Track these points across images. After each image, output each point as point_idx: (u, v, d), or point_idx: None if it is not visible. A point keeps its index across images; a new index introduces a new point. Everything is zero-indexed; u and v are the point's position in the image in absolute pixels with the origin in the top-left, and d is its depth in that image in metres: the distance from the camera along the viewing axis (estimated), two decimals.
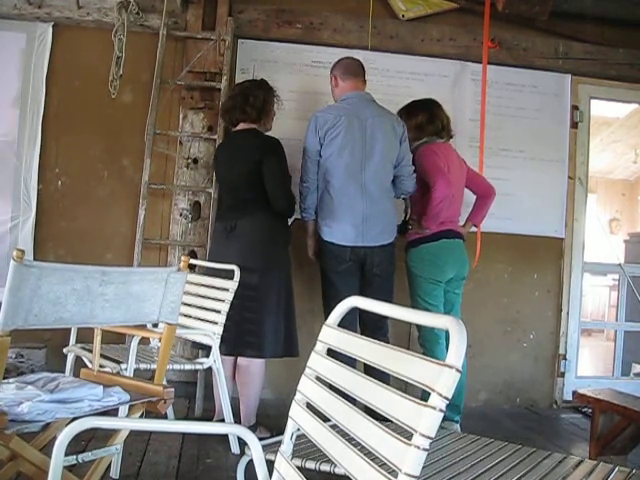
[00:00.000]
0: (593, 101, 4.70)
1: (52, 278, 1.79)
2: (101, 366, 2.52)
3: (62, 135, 4.08)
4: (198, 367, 3.19)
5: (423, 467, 0.98)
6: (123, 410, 2.29)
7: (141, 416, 2.15)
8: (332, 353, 1.37)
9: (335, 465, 1.44)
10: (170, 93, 4.08)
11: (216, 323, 3.14)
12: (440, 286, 3.58)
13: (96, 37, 4.05)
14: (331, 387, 1.30)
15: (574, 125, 4.59)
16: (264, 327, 3.24)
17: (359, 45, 4.23)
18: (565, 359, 4.54)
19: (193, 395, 3.74)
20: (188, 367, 3.18)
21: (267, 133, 3.50)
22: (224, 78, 3.96)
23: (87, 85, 4.08)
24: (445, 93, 4.18)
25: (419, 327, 3.50)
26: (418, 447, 0.96)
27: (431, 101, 3.77)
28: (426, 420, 0.97)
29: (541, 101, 4.53)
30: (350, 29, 4.27)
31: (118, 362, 2.93)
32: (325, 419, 1.26)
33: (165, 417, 3.08)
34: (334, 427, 1.22)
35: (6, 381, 1.94)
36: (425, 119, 3.67)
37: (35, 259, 3.80)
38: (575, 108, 4.59)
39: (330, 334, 1.37)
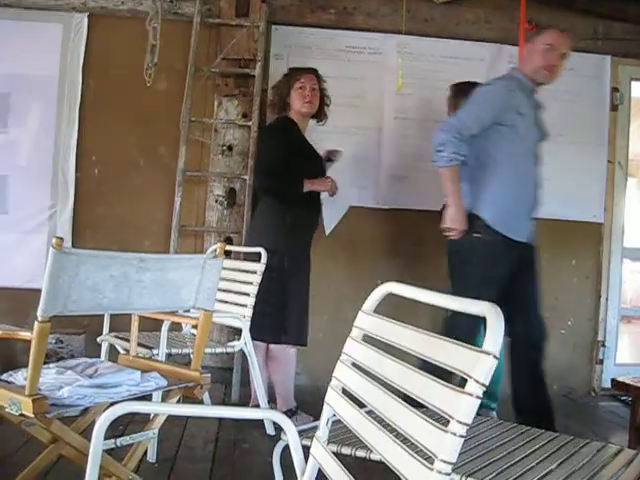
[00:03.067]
0: (634, 83, 4.58)
1: (90, 265, 1.81)
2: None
3: (99, 123, 4.13)
4: (229, 350, 3.23)
5: (459, 454, 0.97)
6: (158, 395, 2.31)
7: (178, 401, 2.18)
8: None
9: (371, 451, 1.44)
10: (204, 80, 4.09)
11: (245, 306, 3.17)
12: None
13: (131, 26, 4.08)
14: (367, 373, 1.29)
15: (614, 108, 4.49)
16: (285, 314, 3.30)
17: (393, 29, 4.18)
18: (604, 346, 4.47)
19: (230, 381, 3.77)
20: (219, 350, 3.22)
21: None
22: (258, 65, 3.96)
23: (122, 73, 4.11)
24: (482, 77, 4.08)
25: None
26: (455, 434, 0.95)
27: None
28: (463, 407, 0.95)
29: (580, 83, 4.42)
30: (384, 13, 4.22)
31: (150, 348, 2.97)
32: (361, 405, 1.26)
33: (201, 402, 3.12)
34: (370, 413, 1.22)
35: (46, 366, 1.97)
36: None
37: (73, 246, 3.86)
38: (615, 90, 4.48)
39: (366, 320, 1.36)
